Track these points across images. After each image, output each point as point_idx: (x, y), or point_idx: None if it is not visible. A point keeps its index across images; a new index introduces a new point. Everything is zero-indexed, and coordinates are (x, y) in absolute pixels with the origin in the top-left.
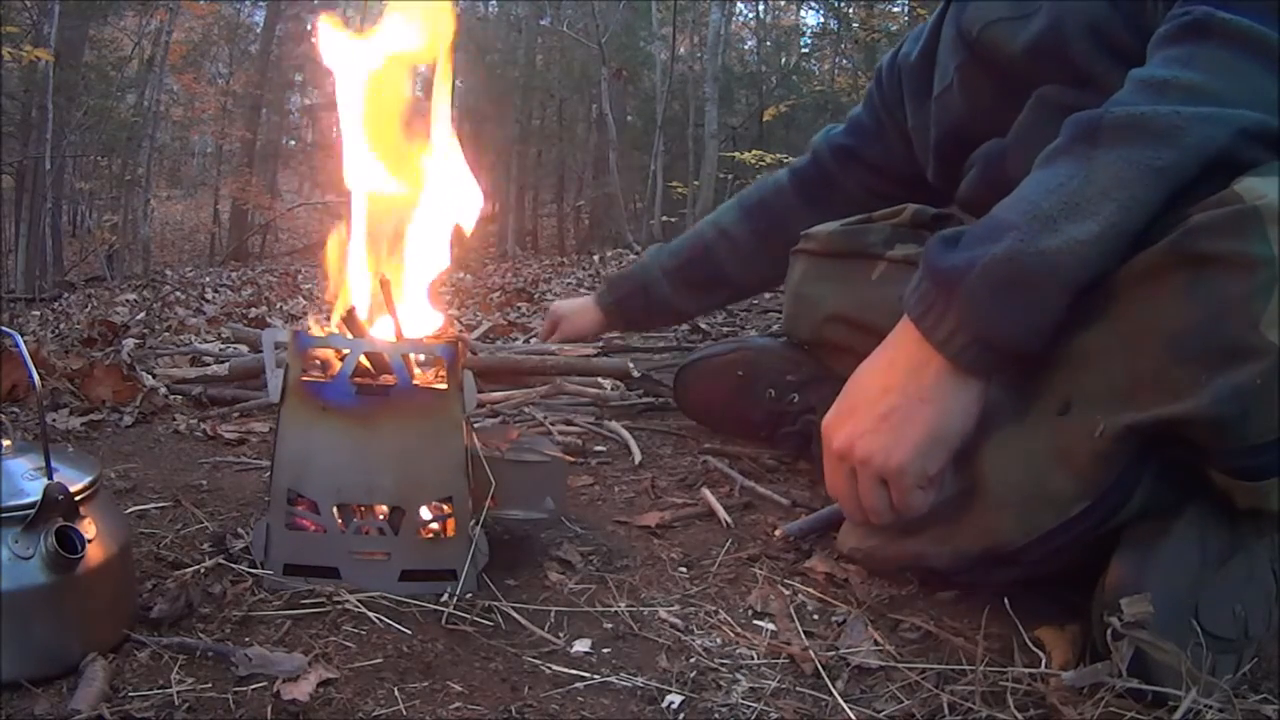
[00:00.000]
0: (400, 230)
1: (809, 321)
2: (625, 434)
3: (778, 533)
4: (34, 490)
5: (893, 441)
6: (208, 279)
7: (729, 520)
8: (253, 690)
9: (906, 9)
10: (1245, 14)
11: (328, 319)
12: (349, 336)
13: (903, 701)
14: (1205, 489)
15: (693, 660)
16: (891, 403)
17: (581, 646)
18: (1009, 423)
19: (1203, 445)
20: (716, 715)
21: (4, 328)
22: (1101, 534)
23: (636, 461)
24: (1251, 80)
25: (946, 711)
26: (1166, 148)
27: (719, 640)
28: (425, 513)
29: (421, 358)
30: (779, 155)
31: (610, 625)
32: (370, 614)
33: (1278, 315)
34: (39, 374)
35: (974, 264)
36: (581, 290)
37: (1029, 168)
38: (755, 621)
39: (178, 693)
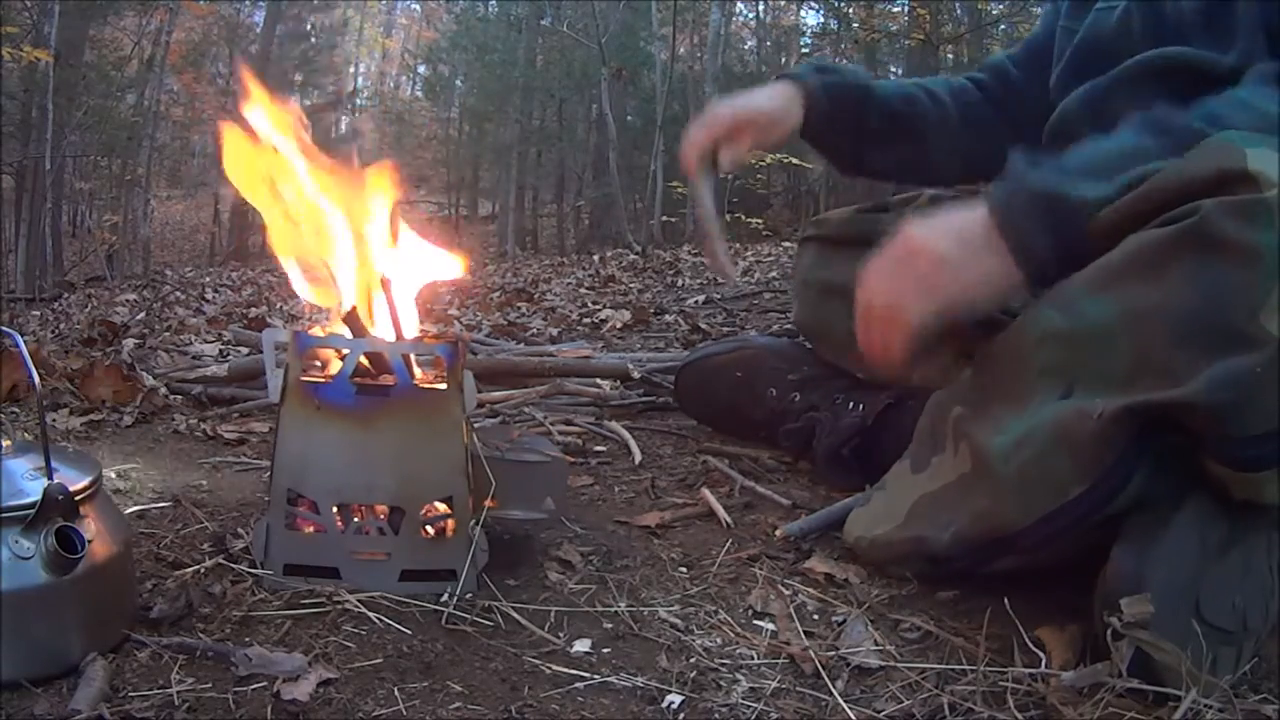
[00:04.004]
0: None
1: (818, 304)
2: (625, 434)
3: (778, 533)
4: (34, 490)
5: (964, 263)
6: (208, 279)
7: (729, 520)
8: (253, 690)
9: (906, 9)
10: None
11: (328, 320)
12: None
13: (903, 701)
14: (1204, 481)
15: (693, 660)
16: (967, 240)
17: (581, 646)
18: (1010, 406)
19: (1199, 433)
20: (716, 715)
21: (4, 328)
22: (1100, 520)
23: (636, 461)
24: None
25: (947, 711)
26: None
27: (719, 640)
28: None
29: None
30: (779, 155)
31: (610, 625)
32: (370, 614)
33: (1278, 307)
34: (39, 374)
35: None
36: (582, 290)
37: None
38: (755, 621)
39: (178, 693)
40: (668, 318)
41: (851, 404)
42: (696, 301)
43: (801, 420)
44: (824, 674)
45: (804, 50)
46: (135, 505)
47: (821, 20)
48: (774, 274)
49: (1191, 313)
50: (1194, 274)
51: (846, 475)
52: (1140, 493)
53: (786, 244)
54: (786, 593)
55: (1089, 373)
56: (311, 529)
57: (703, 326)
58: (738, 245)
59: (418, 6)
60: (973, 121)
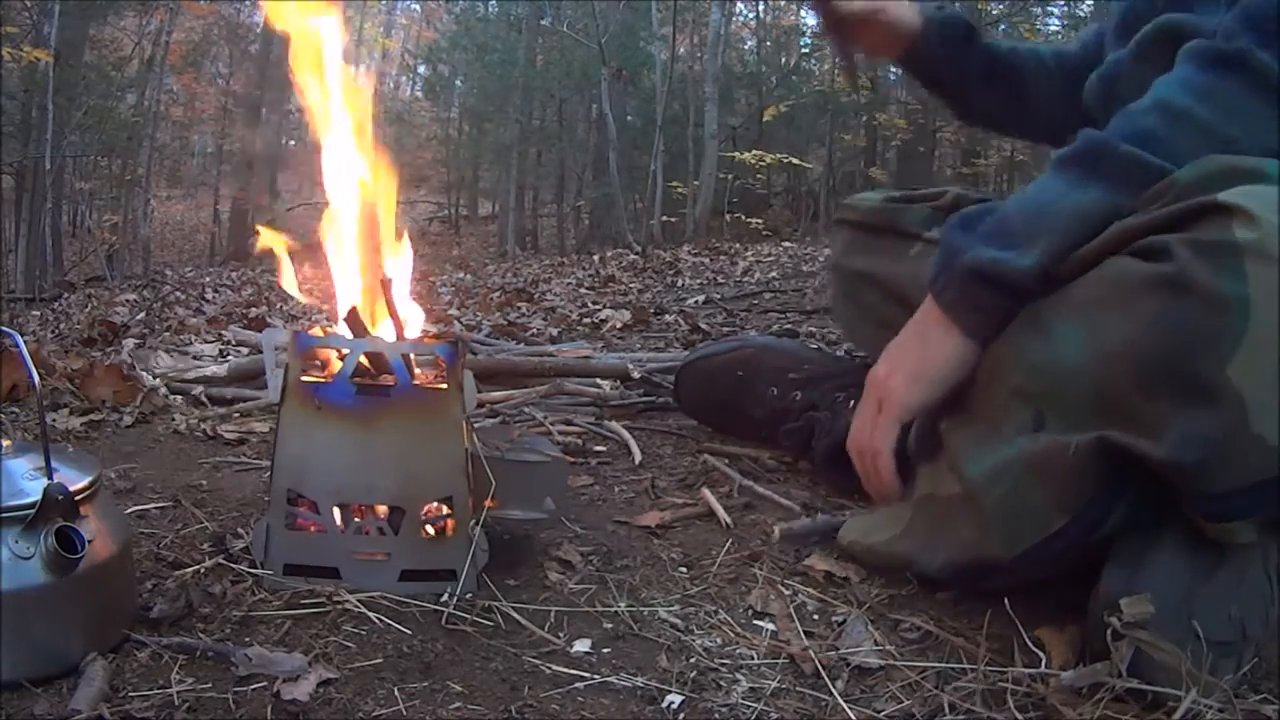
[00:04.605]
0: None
1: (851, 293)
2: (625, 434)
3: (776, 534)
4: (34, 490)
5: (893, 369)
6: (208, 279)
7: (729, 520)
8: (253, 690)
9: None
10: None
11: (328, 319)
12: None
13: (903, 701)
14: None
15: (693, 660)
16: (903, 340)
17: (581, 646)
18: (984, 422)
19: (1171, 483)
20: (716, 715)
21: (4, 328)
22: (1088, 546)
23: (636, 461)
24: (1262, 123)
25: (946, 711)
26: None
27: (719, 640)
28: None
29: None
30: (779, 155)
31: (610, 625)
32: (370, 614)
33: (1247, 361)
34: (39, 374)
35: (968, 251)
36: (582, 290)
37: (1135, 93)
38: (755, 621)
39: (178, 693)
40: (668, 318)
41: (852, 403)
42: (696, 301)
43: (802, 419)
44: (824, 674)
45: (804, 50)
46: (135, 505)
47: (822, 20)
48: (774, 274)
49: (1161, 360)
50: (1163, 317)
51: (845, 475)
52: (1125, 518)
53: (786, 244)
54: (786, 593)
55: (1058, 404)
56: (312, 529)
57: (703, 326)
58: (737, 245)
59: (418, 6)
60: (1072, 80)
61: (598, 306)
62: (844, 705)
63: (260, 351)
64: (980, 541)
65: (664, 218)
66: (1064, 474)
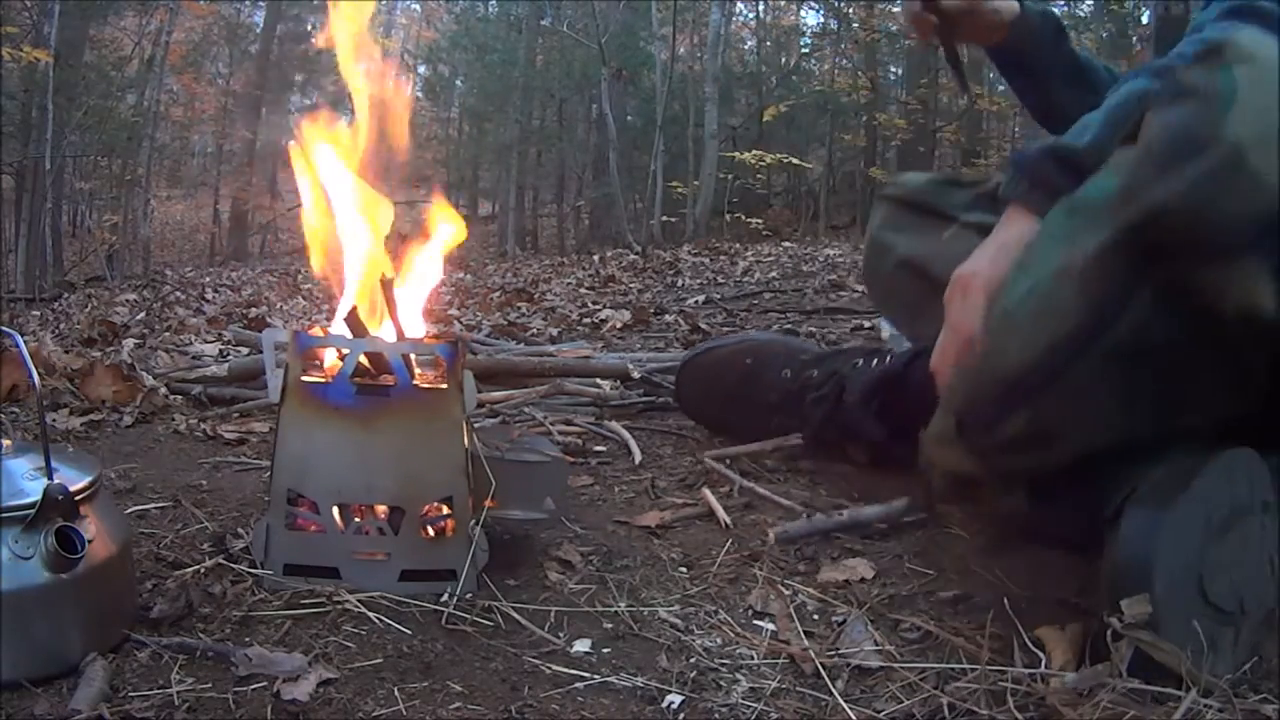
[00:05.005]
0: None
1: (882, 266)
2: (625, 434)
3: (771, 536)
4: (34, 490)
5: (979, 258)
6: (208, 279)
7: (729, 520)
8: (253, 690)
9: None
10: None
11: (329, 320)
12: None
13: (903, 701)
14: (1208, 456)
15: (693, 660)
16: (980, 245)
17: (581, 646)
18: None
19: (1185, 239)
20: (716, 715)
21: (4, 328)
22: (1099, 352)
23: (636, 461)
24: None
25: (946, 712)
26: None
27: (719, 640)
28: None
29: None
30: (779, 155)
31: (610, 625)
32: (370, 614)
33: (1241, 114)
34: (39, 374)
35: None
36: (582, 290)
37: None
38: (755, 621)
39: (178, 693)
40: (668, 318)
41: (875, 361)
42: (696, 301)
43: (828, 385)
44: (824, 674)
45: (804, 50)
46: (135, 505)
47: (821, 20)
48: (774, 274)
49: (1164, 134)
50: (1168, 116)
51: (875, 421)
52: (1140, 327)
53: (786, 244)
54: (786, 593)
55: (1085, 213)
56: (312, 529)
57: (703, 326)
58: (737, 245)
59: (418, 6)
60: None
61: (598, 306)
62: (844, 705)
63: (260, 351)
64: (1004, 349)
65: (664, 218)
66: (1085, 267)
